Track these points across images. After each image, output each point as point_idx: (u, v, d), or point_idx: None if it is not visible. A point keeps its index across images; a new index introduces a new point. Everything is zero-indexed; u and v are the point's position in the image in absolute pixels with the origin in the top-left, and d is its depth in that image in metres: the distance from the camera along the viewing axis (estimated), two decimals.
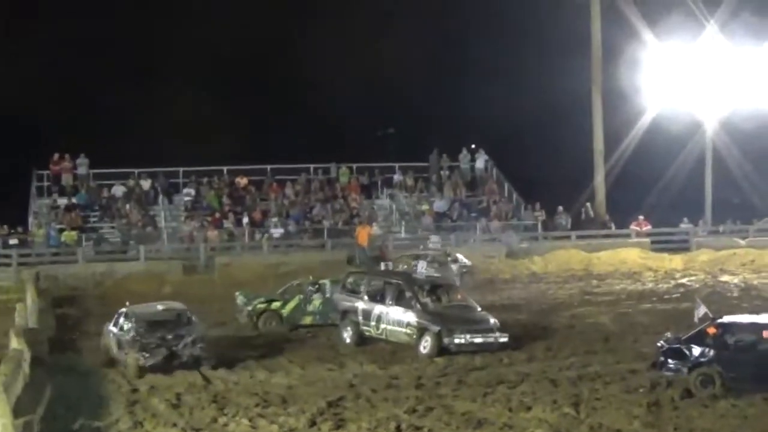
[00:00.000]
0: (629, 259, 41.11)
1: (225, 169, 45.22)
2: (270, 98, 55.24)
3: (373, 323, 25.79)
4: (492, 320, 25.09)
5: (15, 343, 21.86)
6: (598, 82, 46.06)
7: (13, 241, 39.31)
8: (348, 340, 26.14)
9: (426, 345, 24.37)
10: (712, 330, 20.08)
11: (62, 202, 42.54)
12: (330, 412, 19.04)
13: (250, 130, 51.55)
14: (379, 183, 46.46)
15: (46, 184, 43.60)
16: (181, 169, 44.83)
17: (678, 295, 33.92)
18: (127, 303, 24.79)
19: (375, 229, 41.14)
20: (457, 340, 24.24)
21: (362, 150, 48.64)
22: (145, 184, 44.13)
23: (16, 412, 17.15)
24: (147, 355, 22.72)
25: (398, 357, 24.31)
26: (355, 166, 46.67)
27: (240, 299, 29.07)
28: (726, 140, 46.23)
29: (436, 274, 32.45)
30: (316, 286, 28.96)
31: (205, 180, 44.63)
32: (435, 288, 26.45)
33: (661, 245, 42.95)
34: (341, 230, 42.18)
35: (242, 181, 44.95)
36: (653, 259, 41.25)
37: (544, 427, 17.91)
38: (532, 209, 45.20)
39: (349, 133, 53.30)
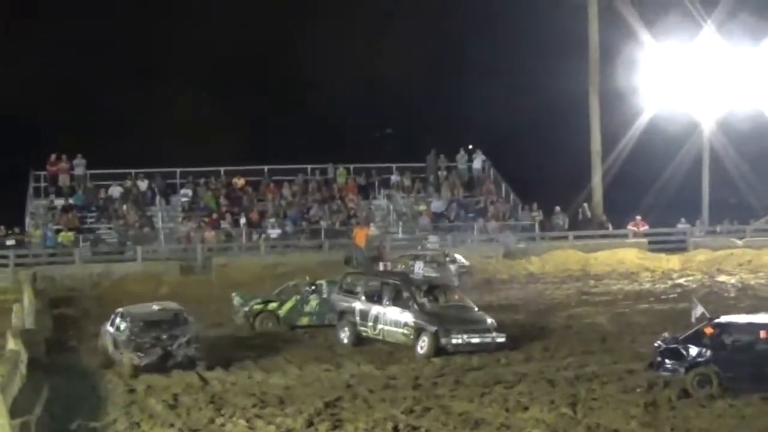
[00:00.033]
0: (626, 259, 41.11)
1: (222, 169, 45.19)
2: (270, 98, 55.27)
3: (370, 324, 25.78)
4: (489, 320, 25.09)
5: (12, 343, 21.84)
6: (596, 83, 46.08)
7: (10, 242, 39.26)
8: (345, 341, 26.13)
9: (423, 345, 24.36)
10: (709, 330, 20.10)
11: (59, 202, 42.47)
12: (327, 412, 19.04)
13: (250, 130, 51.56)
14: (377, 183, 46.45)
15: (43, 184, 43.52)
16: (178, 170, 44.80)
17: (675, 295, 33.94)
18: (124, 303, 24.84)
19: (372, 230, 41.15)
20: (454, 341, 24.25)
21: (361, 150, 48.67)
22: (142, 184, 44.09)
23: (13, 412, 17.14)
24: (141, 354, 22.72)
25: (395, 357, 24.30)
26: (352, 166, 46.63)
27: (236, 300, 29.05)
28: (723, 141, 46.24)
29: (434, 274, 32.46)
30: (313, 287, 28.95)
31: (202, 181, 44.60)
32: (432, 288, 26.45)
33: (659, 245, 42.95)
34: (338, 231, 42.15)
35: (239, 181, 44.92)
36: (650, 259, 41.26)
37: (541, 428, 17.91)
38: (529, 209, 45.18)
39: (349, 134, 53.35)
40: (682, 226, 44.78)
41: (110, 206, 42.72)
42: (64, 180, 43.62)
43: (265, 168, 45.30)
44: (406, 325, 24.97)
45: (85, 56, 51.75)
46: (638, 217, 44.27)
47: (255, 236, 41.69)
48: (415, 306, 25.06)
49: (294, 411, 19.09)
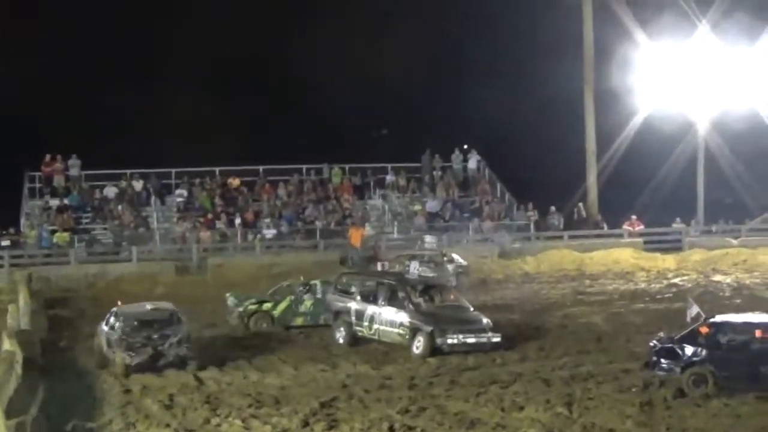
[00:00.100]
0: (622, 259, 41.14)
1: (217, 170, 45.16)
2: (270, 98, 55.25)
3: (365, 323, 25.78)
4: (485, 320, 25.09)
5: (7, 344, 21.83)
6: (591, 83, 46.11)
7: (5, 243, 39.23)
8: (341, 341, 26.13)
9: (419, 345, 24.36)
10: (704, 329, 20.11)
11: (54, 203, 42.44)
12: (323, 412, 19.05)
13: (249, 130, 51.54)
14: (372, 183, 46.45)
15: (38, 185, 43.49)
16: (173, 170, 44.75)
17: (670, 294, 33.95)
18: (119, 302, 24.85)
19: (367, 230, 41.14)
20: (449, 341, 24.25)
21: (361, 150, 48.65)
22: (138, 185, 44.06)
23: (9, 413, 17.15)
24: (133, 354, 22.73)
25: (391, 357, 24.30)
26: (347, 166, 46.63)
27: (231, 300, 29.02)
28: (718, 140, 46.24)
29: (431, 274, 32.46)
30: (307, 287, 28.94)
31: (197, 181, 44.57)
32: (428, 288, 26.48)
33: (654, 245, 42.97)
34: (334, 231, 42.15)
35: (234, 181, 44.89)
36: (646, 258, 41.29)
37: (536, 427, 17.93)
38: (524, 209, 45.16)
39: (348, 134, 53.36)
40: (678, 225, 44.81)
41: (105, 207, 42.69)
42: (59, 180, 43.57)
43: (261, 168, 45.29)
44: (401, 325, 24.96)
45: (85, 56, 51.78)
46: (633, 217, 44.28)
47: (250, 236, 41.67)
48: (411, 306, 25.06)
49: (290, 411, 19.10)
